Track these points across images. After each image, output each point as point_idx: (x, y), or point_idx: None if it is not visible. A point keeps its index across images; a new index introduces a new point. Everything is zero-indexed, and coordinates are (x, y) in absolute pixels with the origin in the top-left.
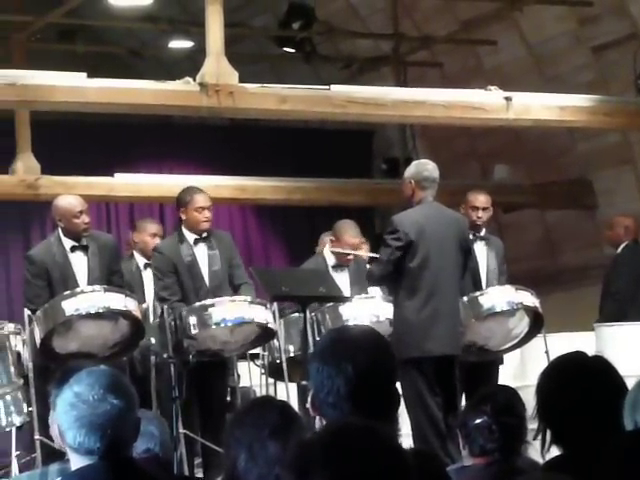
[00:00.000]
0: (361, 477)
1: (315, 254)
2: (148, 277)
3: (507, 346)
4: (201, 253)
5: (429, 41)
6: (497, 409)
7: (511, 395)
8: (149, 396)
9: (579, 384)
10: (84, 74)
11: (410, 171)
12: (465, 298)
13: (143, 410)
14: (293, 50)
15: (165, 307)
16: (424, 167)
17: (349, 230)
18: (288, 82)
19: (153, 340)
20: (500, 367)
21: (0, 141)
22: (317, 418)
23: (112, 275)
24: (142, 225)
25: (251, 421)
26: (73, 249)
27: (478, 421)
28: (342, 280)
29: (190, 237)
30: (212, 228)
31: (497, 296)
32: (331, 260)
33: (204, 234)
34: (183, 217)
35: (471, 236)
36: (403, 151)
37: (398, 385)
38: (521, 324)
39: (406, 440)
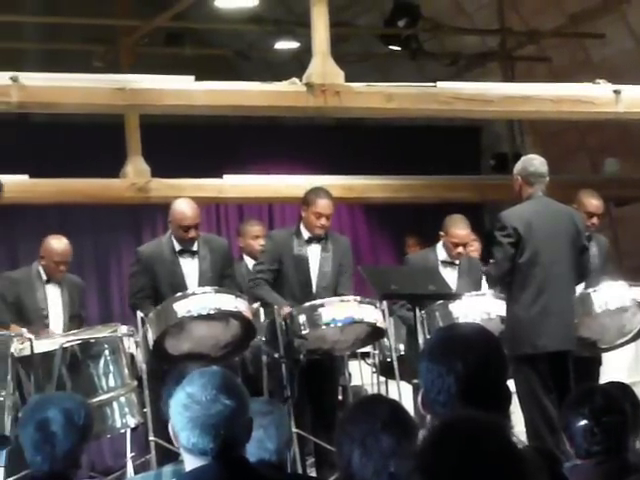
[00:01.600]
0: (479, 472)
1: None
2: None
3: (620, 341)
4: (314, 252)
5: (536, 35)
6: (596, 410)
7: (611, 392)
8: (261, 396)
9: None
10: (192, 77)
11: (517, 167)
12: (577, 294)
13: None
14: (399, 48)
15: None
16: (530, 162)
17: (456, 223)
18: (394, 80)
19: (264, 340)
20: (611, 363)
21: (110, 145)
22: (428, 417)
23: (223, 279)
24: (244, 229)
25: (362, 416)
26: (181, 252)
27: (579, 424)
28: (450, 276)
29: (305, 234)
30: (331, 231)
31: (610, 292)
32: (442, 255)
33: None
34: (303, 214)
35: None
36: (511, 146)
37: (511, 382)
38: (634, 320)
39: (520, 437)
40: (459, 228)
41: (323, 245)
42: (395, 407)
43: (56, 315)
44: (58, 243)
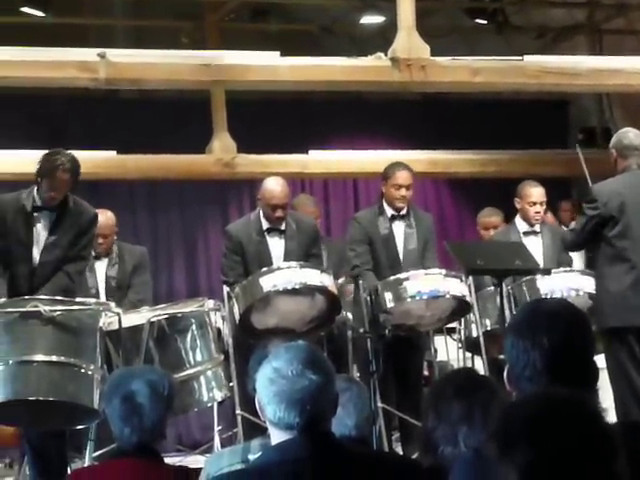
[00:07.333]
0: (566, 449)
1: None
2: None
3: None
4: (398, 230)
5: (625, 8)
6: None
7: None
8: (346, 371)
9: None
10: (277, 53)
11: (612, 140)
12: None
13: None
14: (485, 21)
15: (361, 282)
16: (625, 135)
17: (529, 183)
18: (480, 54)
19: (350, 315)
20: None
21: (197, 121)
22: (514, 393)
23: (309, 258)
24: (297, 204)
25: (439, 385)
26: (269, 231)
27: None
28: (535, 245)
29: (389, 211)
30: (414, 207)
31: None
32: (522, 226)
33: (402, 211)
34: (383, 190)
35: None
36: (600, 120)
37: (601, 358)
38: None
39: (608, 413)
40: (532, 186)
41: (407, 222)
42: (472, 375)
43: (102, 291)
44: (100, 217)
